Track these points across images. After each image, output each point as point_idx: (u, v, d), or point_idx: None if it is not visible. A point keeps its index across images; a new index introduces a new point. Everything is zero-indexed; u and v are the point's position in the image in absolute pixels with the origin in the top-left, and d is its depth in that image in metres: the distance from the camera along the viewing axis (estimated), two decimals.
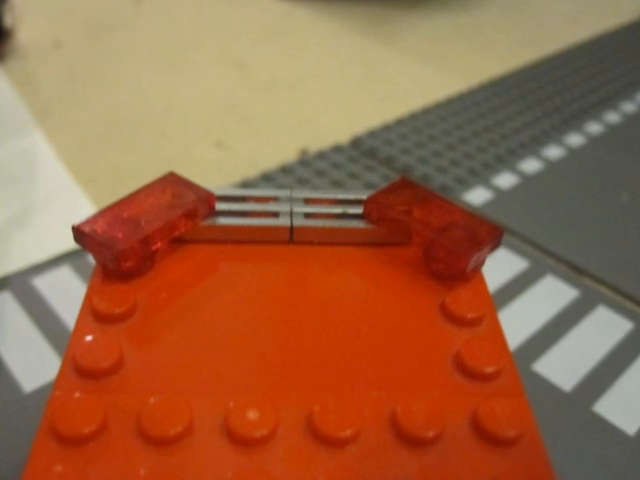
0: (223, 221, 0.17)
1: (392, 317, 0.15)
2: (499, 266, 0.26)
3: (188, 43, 0.46)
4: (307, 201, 0.18)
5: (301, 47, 0.47)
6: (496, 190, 0.31)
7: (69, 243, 0.25)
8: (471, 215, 0.17)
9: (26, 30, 0.45)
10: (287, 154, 0.34)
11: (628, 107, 0.40)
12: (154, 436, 0.12)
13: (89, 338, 0.14)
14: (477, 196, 0.31)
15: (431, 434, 0.12)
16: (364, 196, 0.18)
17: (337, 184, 0.31)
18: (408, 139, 0.35)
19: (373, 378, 0.14)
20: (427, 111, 0.38)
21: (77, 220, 0.16)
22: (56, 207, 0.29)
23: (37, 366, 0.21)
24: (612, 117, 0.38)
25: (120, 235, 0.16)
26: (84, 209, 0.29)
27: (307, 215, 0.18)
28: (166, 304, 0.15)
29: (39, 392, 0.20)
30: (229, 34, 0.48)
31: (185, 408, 0.13)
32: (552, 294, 0.25)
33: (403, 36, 0.49)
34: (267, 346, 0.14)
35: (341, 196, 0.18)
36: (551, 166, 0.33)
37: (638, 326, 0.23)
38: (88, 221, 0.16)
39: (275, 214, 0.18)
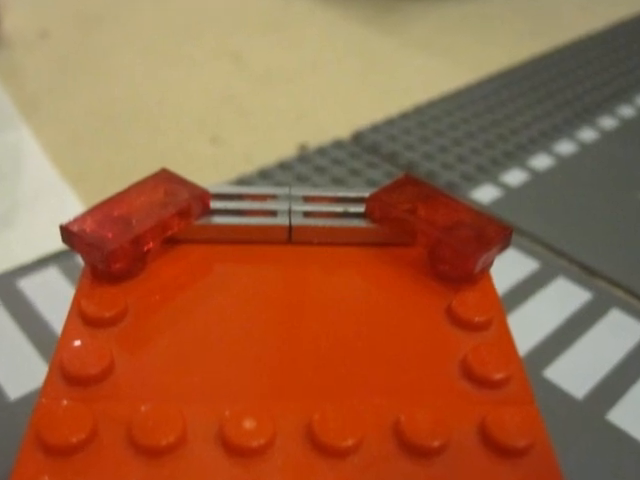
0: (218, 220, 0.17)
1: (395, 321, 0.15)
2: (508, 267, 0.26)
3: (183, 35, 0.46)
4: (306, 199, 0.18)
5: (299, 38, 0.47)
6: (505, 187, 0.31)
7: (57, 243, 0.25)
8: (479, 214, 0.17)
9: (11, 19, 0.45)
10: (285, 150, 0.34)
11: None
12: (146, 446, 0.12)
13: (77, 343, 0.14)
14: (485, 194, 0.31)
15: (436, 444, 0.12)
16: (366, 194, 0.18)
17: (338, 181, 0.31)
18: (412, 134, 0.35)
19: (375, 385, 0.14)
20: (432, 104, 0.38)
21: (65, 219, 0.16)
22: (44, 205, 0.29)
23: (23, 372, 0.21)
24: (626, 111, 0.38)
25: (110, 235, 0.15)
26: (73, 207, 0.29)
27: (306, 214, 0.18)
28: (158, 307, 0.15)
29: (25, 399, 0.20)
30: (224, 26, 0.48)
31: (178, 416, 0.13)
32: (563, 296, 0.25)
33: (406, 26, 0.49)
34: (264, 351, 0.14)
35: (342, 194, 0.18)
36: (563, 162, 0.33)
37: None
38: (76, 220, 0.16)
39: (273, 213, 0.18)
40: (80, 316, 0.15)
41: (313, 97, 0.39)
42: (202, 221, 0.17)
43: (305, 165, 0.32)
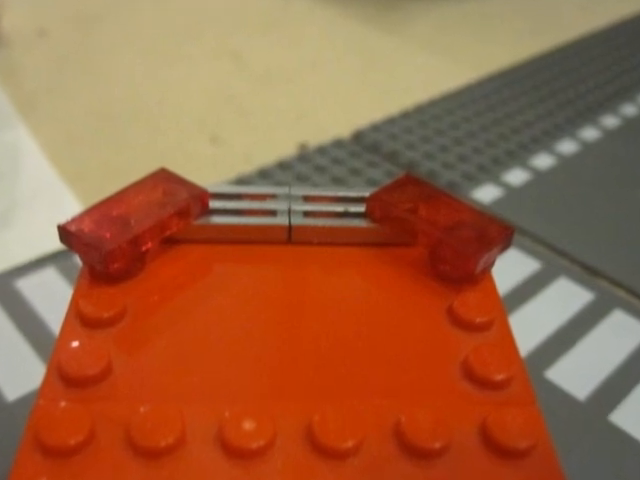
0: (217, 220, 0.17)
1: (396, 321, 0.15)
2: (509, 267, 0.26)
3: (183, 35, 0.46)
4: (306, 199, 0.18)
5: (299, 37, 0.47)
6: (506, 187, 0.31)
7: (55, 243, 0.25)
8: (480, 214, 0.17)
9: (10, 17, 0.45)
10: (285, 149, 0.34)
11: None
12: (144, 447, 0.12)
13: (75, 344, 0.14)
14: (486, 193, 0.31)
15: (437, 445, 0.12)
16: (366, 193, 0.18)
17: (338, 181, 0.31)
18: (413, 133, 0.35)
19: (376, 386, 0.14)
20: (433, 103, 0.38)
21: (63, 219, 0.16)
22: (41, 205, 0.29)
23: (21, 373, 0.21)
24: (629, 109, 0.38)
25: (108, 235, 0.15)
26: (71, 207, 0.29)
27: (306, 214, 0.18)
28: (157, 308, 0.15)
29: (23, 400, 0.20)
30: (224, 26, 0.48)
31: (177, 418, 0.12)
32: (565, 297, 0.25)
33: (407, 24, 0.49)
34: (264, 352, 0.14)
35: (342, 193, 0.18)
36: (565, 162, 0.33)
37: None
38: (74, 220, 0.16)
39: (272, 212, 0.18)
40: (78, 317, 0.15)
41: (313, 96, 0.39)
42: (201, 221, 0.17)
43: (305, 164, 0.32)
